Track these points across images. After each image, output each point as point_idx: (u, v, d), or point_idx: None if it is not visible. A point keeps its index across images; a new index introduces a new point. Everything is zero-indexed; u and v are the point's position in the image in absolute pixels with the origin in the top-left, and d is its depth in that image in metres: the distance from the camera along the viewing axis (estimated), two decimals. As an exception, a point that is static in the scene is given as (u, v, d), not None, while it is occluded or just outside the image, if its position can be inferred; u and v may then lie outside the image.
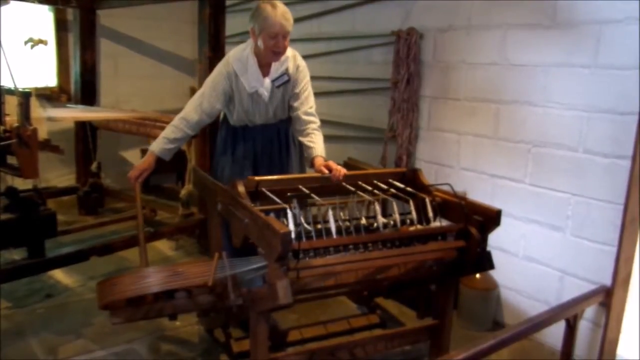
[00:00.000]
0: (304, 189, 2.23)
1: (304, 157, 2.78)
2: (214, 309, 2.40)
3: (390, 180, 2.47)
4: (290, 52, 2.66)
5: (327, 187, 2.37)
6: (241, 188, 2.14)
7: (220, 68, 2.68)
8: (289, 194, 2.12)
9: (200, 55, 3.52)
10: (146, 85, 5.08)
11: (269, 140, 2.83)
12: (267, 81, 2.65)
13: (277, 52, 2.54)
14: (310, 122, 2.67)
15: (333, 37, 3.89)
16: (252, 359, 2.07)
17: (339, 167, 2.41)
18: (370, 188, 2.36)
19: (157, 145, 2.63)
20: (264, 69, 2.63)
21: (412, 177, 2.50)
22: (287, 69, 2.66)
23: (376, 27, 3.54)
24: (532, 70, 2.71)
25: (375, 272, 2.10)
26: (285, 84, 2.69)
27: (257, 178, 2.28)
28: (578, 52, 2.51)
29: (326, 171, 2.41)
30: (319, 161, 2.49)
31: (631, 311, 2.52)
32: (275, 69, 2.64)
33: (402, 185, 2.41)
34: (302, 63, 2.72)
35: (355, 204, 2.28)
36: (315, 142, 2.60)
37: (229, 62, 2.65)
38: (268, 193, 2.20)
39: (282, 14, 2.45)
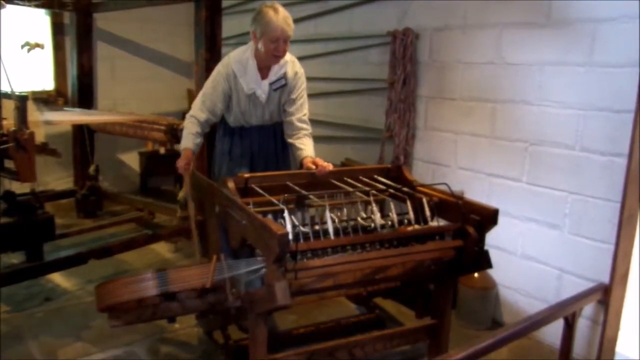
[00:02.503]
0: (299, 190, 2.23)
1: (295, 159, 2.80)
2: (212, 310, 2.40)
3: (376, 176, 2.48)
4: (289, 56, 2.70)
5: (323, 185, 2.38)
6: (231, 184, 2.19)
7: (219, 69, 2.72)
8: (286, 195, 2.12)
9: (197, 57, 3.53)
10: (143, 88, 5.07)
11: (265, 140, 2.86)
12: (265, 83, 2.68)
13: (278, 56, 2.59)
14: (302, 128, 2.73)
15: (330, 38, 3.89)
16: (251, 360, 2.07)
17: (325, 163, 2.47)
18: (368, 188, 2.36)
19: (188, 142, 2.67)
20: (263, 71, 2.67)
21: (396, 173, 2.51)
22: (285, 73, 2.70)
23: (373, 28, 3.54)
24: (528, 69, 2.71)
25: (374, 273, 2.11)
26: (282, 88, 2.72)
27: (246, 175, 2.33)
28: (573, 51, 2.51)
29: (313, 166, 2.46)
30: (308, 160, 2.55)
31: (630, 308, 2.52)
32: (274, 72, 2.68)
33: (399, 185, 2.41)
34: (301, 70, 2.76)
35: (352, 204, 2.28)
36: (306, 145, 2.66)
37: (228, 63, 2.68)
38: (257, 189, 2.23)
39: (284, 19, 2.50)
